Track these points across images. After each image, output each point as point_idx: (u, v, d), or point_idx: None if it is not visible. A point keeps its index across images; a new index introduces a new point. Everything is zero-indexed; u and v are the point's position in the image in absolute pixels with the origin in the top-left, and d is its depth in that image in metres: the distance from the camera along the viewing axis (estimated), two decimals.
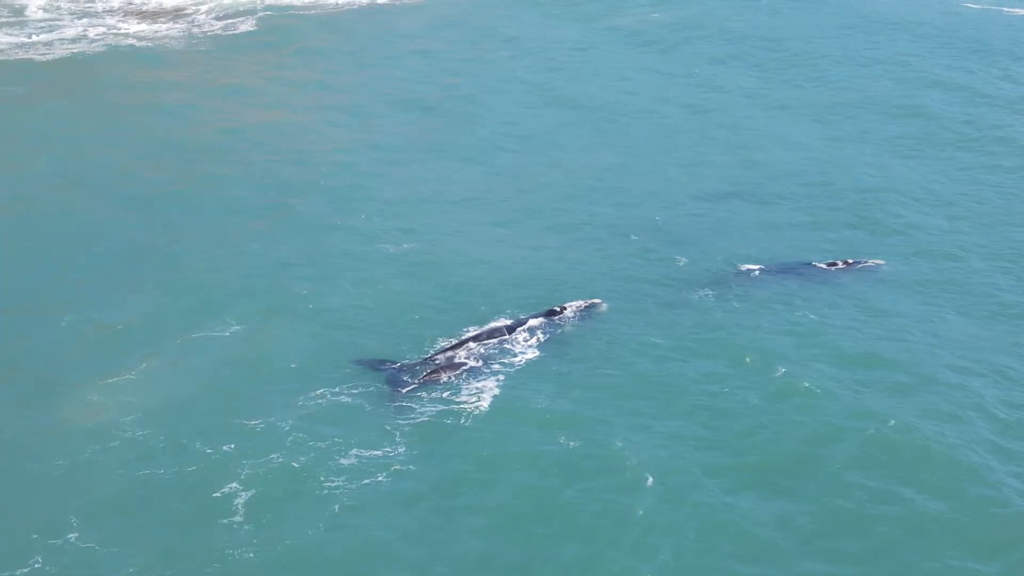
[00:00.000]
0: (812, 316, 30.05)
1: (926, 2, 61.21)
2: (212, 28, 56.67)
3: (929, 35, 55.69)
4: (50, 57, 51.77)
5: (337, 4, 61.52)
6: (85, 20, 56.88)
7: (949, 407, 26.12)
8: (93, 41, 53.78)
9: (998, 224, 35.98)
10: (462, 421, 25.48)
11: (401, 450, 24.46)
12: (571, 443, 24.81)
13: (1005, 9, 59.54)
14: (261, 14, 59.23)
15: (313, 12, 59.90)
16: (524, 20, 59.76)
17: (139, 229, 35.10)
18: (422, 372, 27.19)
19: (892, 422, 25.27)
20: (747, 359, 27.94)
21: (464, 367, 27.32)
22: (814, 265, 32.80)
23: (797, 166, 40.71)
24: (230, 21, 57.66)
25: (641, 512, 22.78)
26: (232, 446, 24.51)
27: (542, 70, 51.78)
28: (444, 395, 26.40)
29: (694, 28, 58.21)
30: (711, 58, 53.68)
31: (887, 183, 39.04)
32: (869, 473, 23.95)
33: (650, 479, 23.62)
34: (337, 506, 22.83)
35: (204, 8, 59.56)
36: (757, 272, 32.53)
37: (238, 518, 22.54)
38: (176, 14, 58.70)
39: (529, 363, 27.79)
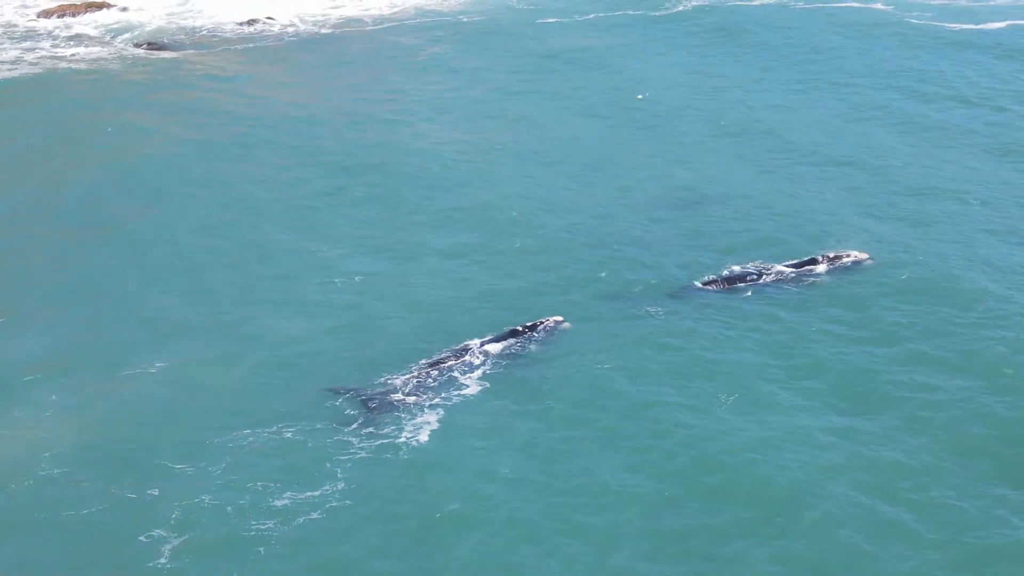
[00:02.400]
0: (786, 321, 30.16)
1: (873, 18, 61.96)
2: (139, 54, 56.98)
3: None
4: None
5: (284, 32, 61.29)
6: (27, 43, 57.38)
7: None
8: (33, 64, 54.12)
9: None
10: (404, 455, 25.02)
11: (340, 488, 24.00)
12: (519, 477, 24.38)
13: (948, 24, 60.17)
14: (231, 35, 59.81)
15: (254, 45, 59.61)
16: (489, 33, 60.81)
17: (74, 255, 34.71)
18: (373, 402, 26.75)
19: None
20: (717, 385, 27.40)
21: (417, 396, 26.94)
22: (799, 264, 32.71)
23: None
24: (154, 53, 57.80)
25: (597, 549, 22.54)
26: (157, 490, 24.06)
27: (498, 88, 52.12)
28: (392, 428, 25.90)
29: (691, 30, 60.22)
30: (698, 61, 55.12)
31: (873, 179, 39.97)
32: None
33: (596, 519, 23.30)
34: (263, 548, 22.41)
35: (128, 36, 59.92)
36: (729, 278, 32.16)
37: (162, 560, 22.14)
38: (104, 42, 58.95)
39: (483, 391, 27.33)
